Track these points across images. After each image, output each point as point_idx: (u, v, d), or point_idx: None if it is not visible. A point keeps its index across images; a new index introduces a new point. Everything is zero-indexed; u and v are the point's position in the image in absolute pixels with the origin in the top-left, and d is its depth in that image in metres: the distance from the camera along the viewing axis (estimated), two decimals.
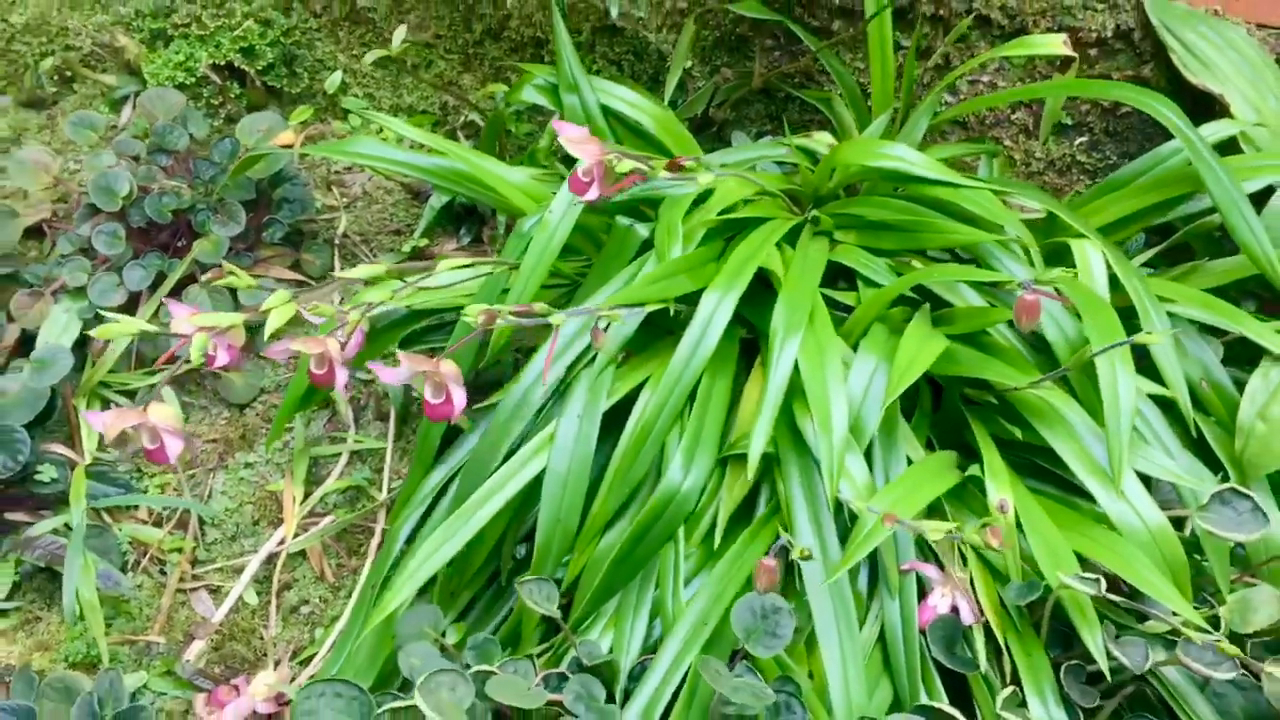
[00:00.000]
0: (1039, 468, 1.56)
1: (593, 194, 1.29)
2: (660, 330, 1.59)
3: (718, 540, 1.51)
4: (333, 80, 2.16)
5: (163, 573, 1.78)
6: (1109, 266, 1.59)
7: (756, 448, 1.43)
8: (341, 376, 1.27)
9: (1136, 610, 1.39)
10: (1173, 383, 1.54)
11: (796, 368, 1.46)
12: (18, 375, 1.79)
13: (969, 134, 2.00)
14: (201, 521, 1.83)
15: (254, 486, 1.86)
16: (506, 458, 1.53)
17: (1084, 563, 1.41)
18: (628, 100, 1.81)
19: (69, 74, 2.29)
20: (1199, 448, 1.59)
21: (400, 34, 1.77)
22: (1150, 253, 1.76)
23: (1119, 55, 1.89)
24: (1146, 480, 1.48)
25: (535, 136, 2.13)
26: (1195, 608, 1.44)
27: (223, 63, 2.12)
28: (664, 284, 1.50)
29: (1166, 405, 1.56)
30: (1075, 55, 1.70)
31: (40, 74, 2.30)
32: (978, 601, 1.42)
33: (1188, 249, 1.83)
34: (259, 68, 2.13)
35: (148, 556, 1.79)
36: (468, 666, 1.41)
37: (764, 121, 2.07)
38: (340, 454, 1.88)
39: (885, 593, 1.44)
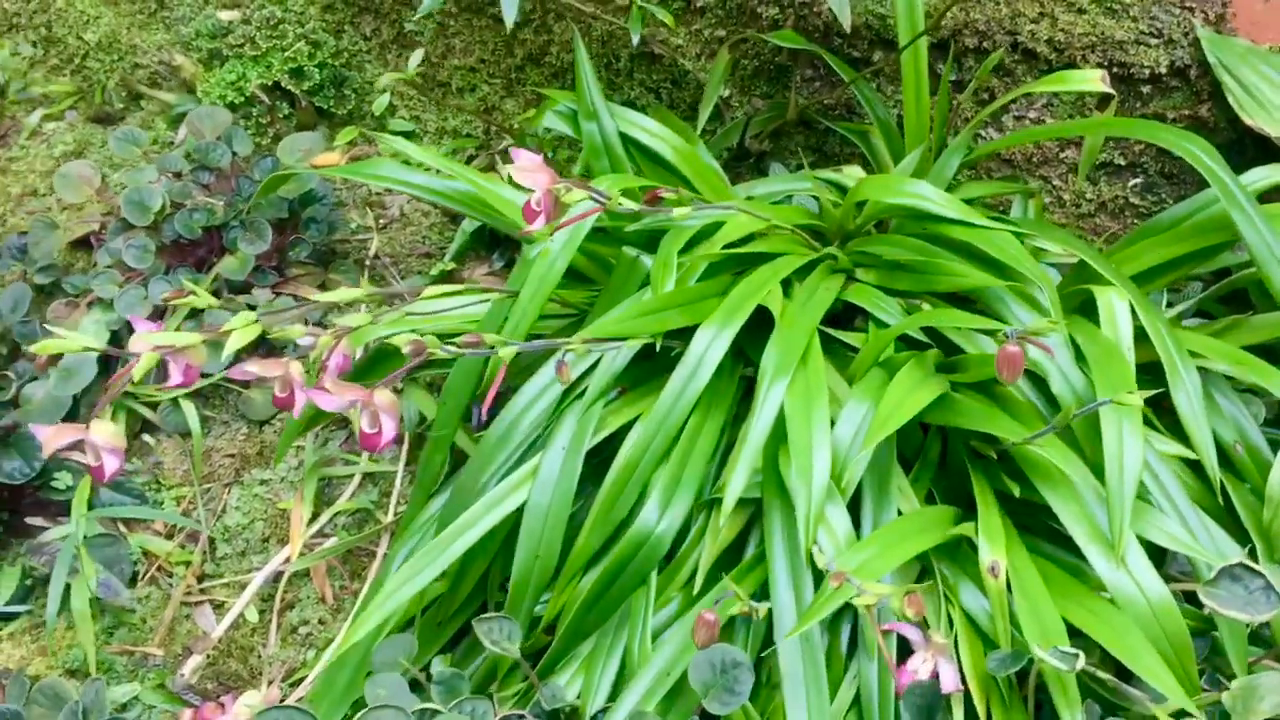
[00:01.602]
0: (1053, 529, 1.47)
1: (540, 224, 1.26)
2: (660, 368, 1.54)
3: (698, 586, 1.46)
4: (380, 103, 2.18)
5: (171, 585, 1.80)
6: (1135, 316, 1.49)
7: (732, 493, 1.37)
8: (336, 402, 1.24)
9: (1124, 691, 1.29)
10: (1199, 444, 1.44)
11: (783, 410, 1.40)
12: (44, 383, 1.83)
13: (1016, 172, 1.91)
14: (211, 537, 1.84)
15: (266, 503, 1.87)
16: (492, 487, 1.50)
17: (1076, 634, 1.32)
18: (648, 129, 1.77)
19: (136, 92, 2.35)
20: (1230, 516, 1.48)
21: (416, 58, 1.77)
22: (1185, 302, 1.65)
23: (1174, 93, 1.79)
24: (1158, 549, 1.38)
25: (574, 162, 2.11)
26: (1205, 689, 1.34)
27: (271, 83, 2.15)
28: (652, 318, 1.46)
29: (1198, 467, 1.46)
30: (1114, 93, 1.60)
31: (109, 90, 2.37)
32: (961, 669, 1.34)
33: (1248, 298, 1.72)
34: (306, 88, 2.16)
35: (157, 568, 1.81)
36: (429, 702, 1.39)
37: (805, 153, 2.01)
38: (353, 475, 1.87)
39: (864, 653, 1.37)
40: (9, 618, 1.74)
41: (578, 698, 1.41)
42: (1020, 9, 1.79)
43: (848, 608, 1.39)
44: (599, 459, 1.52)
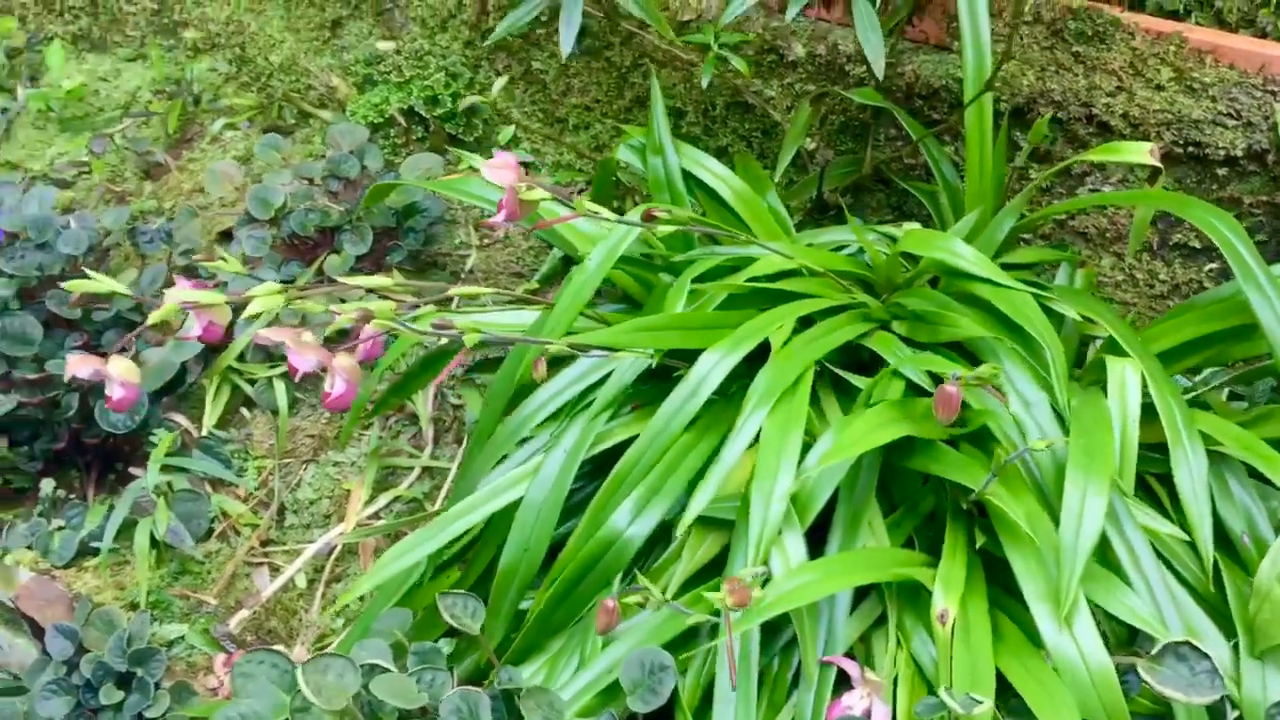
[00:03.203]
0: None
1: (500, 218, 1.36)
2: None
3: (670, 595, 1.50)
4: (505, 134, 2.36)
5: (239, 544, 1.98)
6: (1146, 391, 1.47)
7: (693, 509, 1.43)
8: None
9: None
10: (1194, 523, 1.41)
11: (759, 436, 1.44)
12: (162, 350, 2.05)
13: (1090, 246, 1.89)
14: (283, 506, 2.01)
15: (335, 483, 2.03)
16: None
17: (1009, 692, 1.30)
18: (711, 169, 1.86)
19: (304, 110, 2.61)
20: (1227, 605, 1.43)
21: (499, 84, 1.91)
22: (1216, 381, 1.60)
23: (1252, 178, 1.74)
24: (1131, 630, 1.35)
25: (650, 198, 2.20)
26: None
27: (408, 107, 2.35)
28: (649, 334, 1.53)
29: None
30: (1161, 167, 1.58)
31: (283, 108, 2.63)
32: (894, 710, 1.34)
33: None
34: (438, 114, 2.34)
35: (230, 527, 1.99)
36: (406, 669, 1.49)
37: (884, 211, 2.05)
38: (414, 468, 2.01)
39: (805, 682, 1.39)
40: (95, 552, 1.94)
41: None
42: (1098, 82, 1.78)
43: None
44: (604, 470, 1.60)
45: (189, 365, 2.08)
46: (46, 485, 1.98)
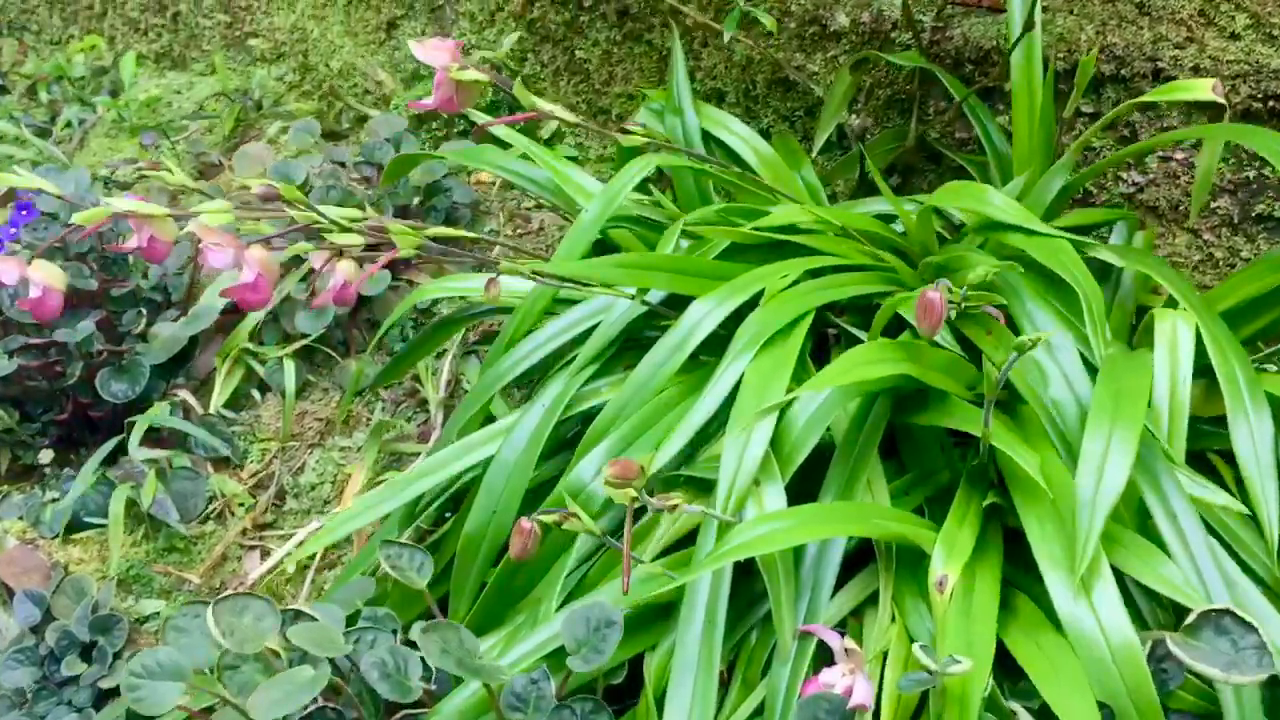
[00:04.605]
0: None
1: (432, 101, 1.24)
2: None
3: (647, 560, 1.34)
4: (548, 127, 2.26)
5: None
6: (1201, 346, 1.26)
7: (661, 459, 1.26)
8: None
9: None
10: (1256, 495, 1.19)
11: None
12: (172, 324, 1.99)
13: (1161, 222, 1.68)
14: (283, 490, 1.91)
15: (339, 468, 1.91)
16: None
17: (1013, 669, 1.09)
18: (735, 131, 1.73)
19: (362, 115, 2.57)
20: None
21: (509, 41, 1.82)
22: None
23: None
24: (1156, 600, 1.13)
25: None
26: None
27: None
28: (632, 272, 1.39)
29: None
30: (1226, 104, 1.39)
31: (341, 112, 2.60)
32: (880, 685, 1.14)
33: None
34: (481, 106, 2.26)
35: (227, 508, 1.89)
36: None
37: (934, 189, 1.87)
38: (419, 454, 1.89)
39: (779, 656, 1.20)
40: (88, 526, 1.86)
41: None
42: (1164, 33, 1.60)
43: None
44: None
45: (201, 343, 2.01)
46: (45, 456, 1.92)
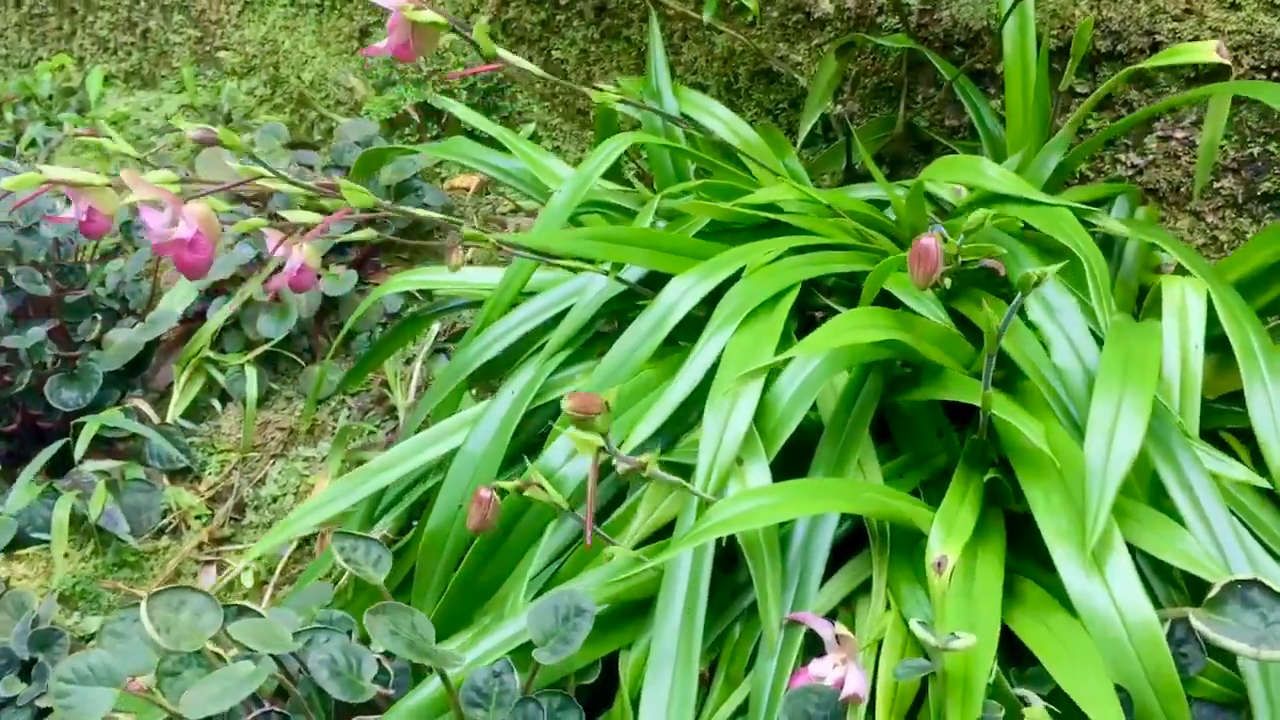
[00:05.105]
0: None
1: (386, 45, 1.16)
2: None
3: (627, 549, 1.24)
4: (525, 130, 2.20)
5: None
6: (1211, 313, 1.18)
7: (636, 439, 1.17)
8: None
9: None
10: (1277, 466, 1.10)
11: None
12: (128, 331, 1.90)
13: (1163, 204, 1.61)
14: (243, 503, 1.81)
15: (302, 479, 1.82)
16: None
17: (1020, 658, 1.00)
18: (716, 114, 1.65)
19: (331, 125, 2.50)
20: None
21: (481, 21, 1.74)
22: None
23: None
24: (1170, 582, 1.04)
25: None
26: None
27: (422, 103, 2.21)
28: (606, 245, 1.31)
29: None
30: (1229, 62, 1.32)
31: (313, 125, 2.53)
32: (875, 676, 1.05)
33: None
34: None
35: (183, 522, 1.79)
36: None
37: None
38: None
39: (765, 648, 1.10)
40: (34, 542, 1.75)
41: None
42: (1161, 4, 1.53)
43: None
44: None
45: (160, 354, 1.92)
46: None
